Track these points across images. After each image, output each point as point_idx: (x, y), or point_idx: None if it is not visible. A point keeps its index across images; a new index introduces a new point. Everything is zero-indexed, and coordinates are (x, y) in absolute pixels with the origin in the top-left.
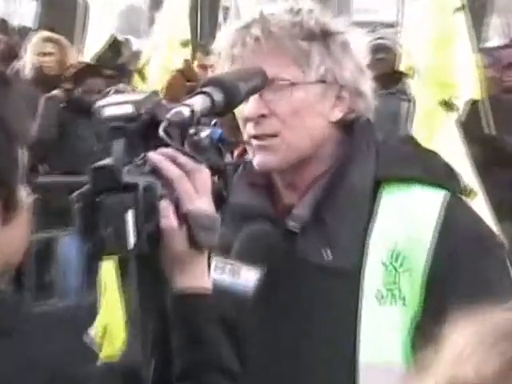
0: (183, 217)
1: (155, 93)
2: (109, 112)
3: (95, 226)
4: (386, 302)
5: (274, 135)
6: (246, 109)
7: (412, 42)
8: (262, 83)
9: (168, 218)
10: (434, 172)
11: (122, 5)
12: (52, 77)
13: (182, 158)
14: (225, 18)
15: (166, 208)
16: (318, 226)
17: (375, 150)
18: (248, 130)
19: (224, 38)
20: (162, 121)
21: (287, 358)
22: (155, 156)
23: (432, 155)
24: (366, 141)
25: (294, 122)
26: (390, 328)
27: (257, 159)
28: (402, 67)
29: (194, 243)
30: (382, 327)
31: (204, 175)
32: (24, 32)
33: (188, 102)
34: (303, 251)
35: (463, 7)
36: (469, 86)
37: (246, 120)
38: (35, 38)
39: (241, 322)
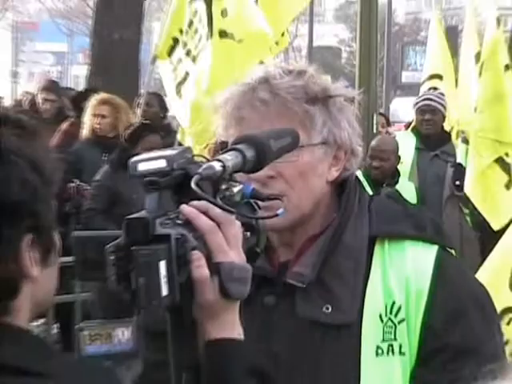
0: (215, 268)
1: (188, 148)
2: (143, 167)
3: (128, 277)
4: (385, 355)
5: (282, 196)
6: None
7: (462, 99)
8: (293, 142)
9: (200, 269)
10: (424, 229)
11: None
12: (107, 138)
13: (214, 211)
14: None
15: (198, 259)
16: (318, 285)
17: (367, 208)
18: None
19: (225, 99)
20: (194, 175)
21: None
22: (188, 208)
23: (420, 212)
24: (357, 199)
25: (299, 184)
26: (389, 379)
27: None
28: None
29: (225, 294)
30: (381, 369)
31: (235, 228)
32: (72, 93)
33: (220, 157)
34: (304, 308)
35: (508, 66)
36: None
37: (251, 180)
38: (92, 101)
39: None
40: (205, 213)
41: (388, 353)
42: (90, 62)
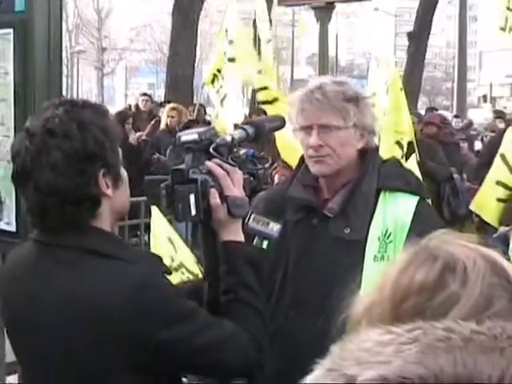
0: (224, 199)
1: (213, 128)
2: (184, 138)
3: (173, 203)
4: (379, 260)
5: (326, 155)
6: (310, 141)
7: (378, 106)
8: (281, 124)
9: (215, 200)
10: (411, 184)
11: None
12: (173, 129)
13: (225, 165)
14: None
15: (214, 193)
16: (343, 215)
17: (378, 169)
18: (310, 153)
19: (296, 97)
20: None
21: (319, 288)
22: (209, 163)
23: (410, 173)
24: (372, 163)
25: (338, 150)
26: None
27: (315, 168)
28: None
29: (231, 214)
30: (375, 269)
31: (238, 174)
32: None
33: (231, 132)
34: (333, 229)
35: (402, 88)
36: (408, 133)
37: (310, 147)
38: (166, 108)
39: (282, 265)
40: (219, 166)
41: (380, 259)
42: (166, 87)
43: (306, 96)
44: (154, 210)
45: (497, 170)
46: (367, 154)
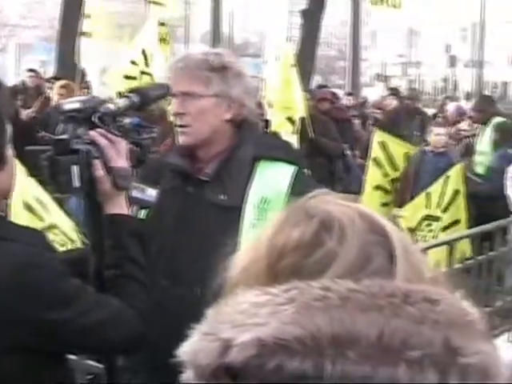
0: (109, 170)
1: (96, 96)
2: (66, 107)
3: (55, 175)
4: (257, 227)
5: (188, 126)
6: (172, 108)
7: (269, 84)
8: (166, 92)
9: (99, 171)
10: (290, 155)
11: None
12: None
13: (109, 134)
14: None
15: (98, 164)
16: (218, 181)
17: (255, 139)
18: (175, 121)
19: (167, 66)
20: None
21: (195, 256)
22: (93, 133)
23: (289, 144)
24: (249, 133)
25: (200, 119)
26: None
27: (181, 139)
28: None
29: (116, 186)
30: (253, 236)
31: (122, 145)
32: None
33: (116, 101)
34: (209, 194)
35: (294, 65)
36: (300, 109)
37: (173, 115)
38: (56, 85)
39: (158, 234)
40: (103, 136)
41: (258, 225)
42: (55, 63)
43: (172, 65)
44: (23, 176)
45: (372, 175)
46: (242, 125)
